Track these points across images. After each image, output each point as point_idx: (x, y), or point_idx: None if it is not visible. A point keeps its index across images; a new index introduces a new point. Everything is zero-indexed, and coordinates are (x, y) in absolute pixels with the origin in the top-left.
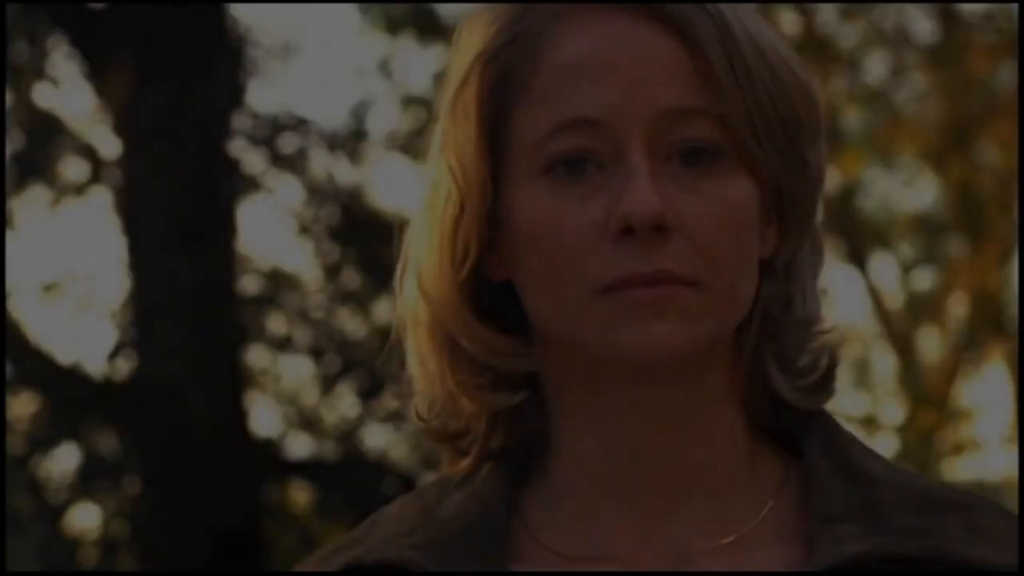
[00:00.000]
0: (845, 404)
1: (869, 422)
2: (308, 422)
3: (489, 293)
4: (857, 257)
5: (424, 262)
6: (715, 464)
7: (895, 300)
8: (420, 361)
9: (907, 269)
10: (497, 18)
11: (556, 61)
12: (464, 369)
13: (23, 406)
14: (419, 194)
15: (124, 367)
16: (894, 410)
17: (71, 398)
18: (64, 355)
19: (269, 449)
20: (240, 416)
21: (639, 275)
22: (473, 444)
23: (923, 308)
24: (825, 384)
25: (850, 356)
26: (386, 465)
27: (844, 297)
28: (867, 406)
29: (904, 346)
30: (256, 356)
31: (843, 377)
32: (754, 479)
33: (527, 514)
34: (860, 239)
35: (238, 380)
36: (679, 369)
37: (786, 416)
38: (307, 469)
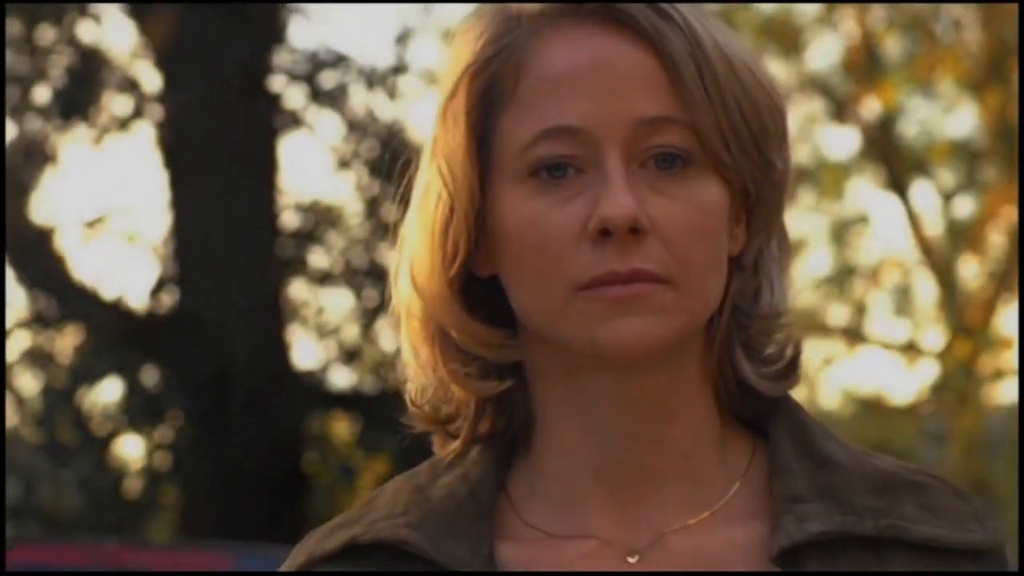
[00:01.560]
0: (887, 331)
1: (910, 348)
2: (349, 355)
3: (477, 288)
4: (897, 185)
5: (417, 260)
6: (688, 448)
7: (935, 227)
8: (413, 351)
9: (947, 197)
10: (484, 32)
11: (539, 73)
12: (454, 359)
13: (68, 340)
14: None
15: (167, 301)
16: (935, 337)
17: (115, 332)
18: (108, 290)
19: (311, 381)
20: (282, 349)
21: (616, 274)
22: (463, 428)
23: (962, 236)
24: (790, 372)
25: (891, 283)
26: None
27: (885, 224)
28: (908, 332)
29: (944, 274)
30: (298, 289)
31: (884, 304)
32: (724, 461)
33: (513, 494)
34: (900, 166)
35: (280, 313)
36: (654, 360)
37: (754, 402)
38: (348, 401)
